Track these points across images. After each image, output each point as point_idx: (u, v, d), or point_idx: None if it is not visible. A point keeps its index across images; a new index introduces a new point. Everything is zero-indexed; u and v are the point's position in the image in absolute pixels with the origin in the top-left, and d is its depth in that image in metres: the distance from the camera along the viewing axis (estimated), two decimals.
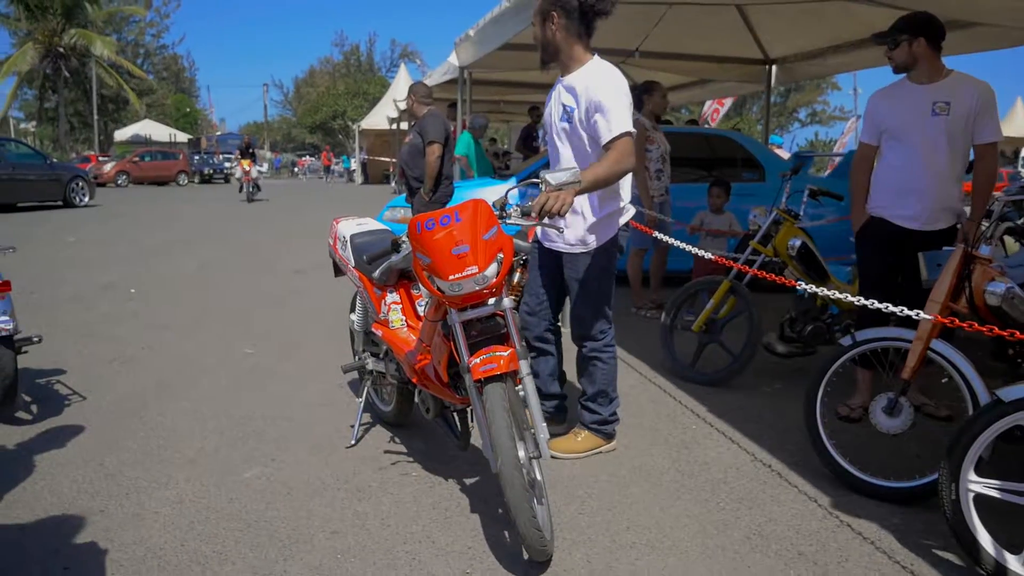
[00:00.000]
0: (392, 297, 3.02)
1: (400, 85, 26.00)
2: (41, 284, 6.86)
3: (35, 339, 3.46)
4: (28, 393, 3.82)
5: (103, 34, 35.39)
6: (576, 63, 2.89)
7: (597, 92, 2.77)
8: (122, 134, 40.43)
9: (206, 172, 35.29)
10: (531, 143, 12.34)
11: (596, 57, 2.91)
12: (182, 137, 41.23)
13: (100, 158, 30.00)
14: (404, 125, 21.13)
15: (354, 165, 35.33)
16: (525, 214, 2.52)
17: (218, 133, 54.01)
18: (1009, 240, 4.81)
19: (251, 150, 20.36)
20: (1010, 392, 2.31)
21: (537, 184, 2.50)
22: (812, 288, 3.08)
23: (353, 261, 3.17)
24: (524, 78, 12.63)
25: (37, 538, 2.47)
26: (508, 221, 2.51)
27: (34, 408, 3.65)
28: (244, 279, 7.47)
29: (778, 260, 4.30)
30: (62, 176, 16.29)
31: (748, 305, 4.23)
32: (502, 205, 2.52)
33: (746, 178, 7.33)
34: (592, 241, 3.00)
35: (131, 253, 9.20)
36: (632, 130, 2.76)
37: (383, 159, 28.55)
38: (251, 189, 19.42)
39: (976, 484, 2.34)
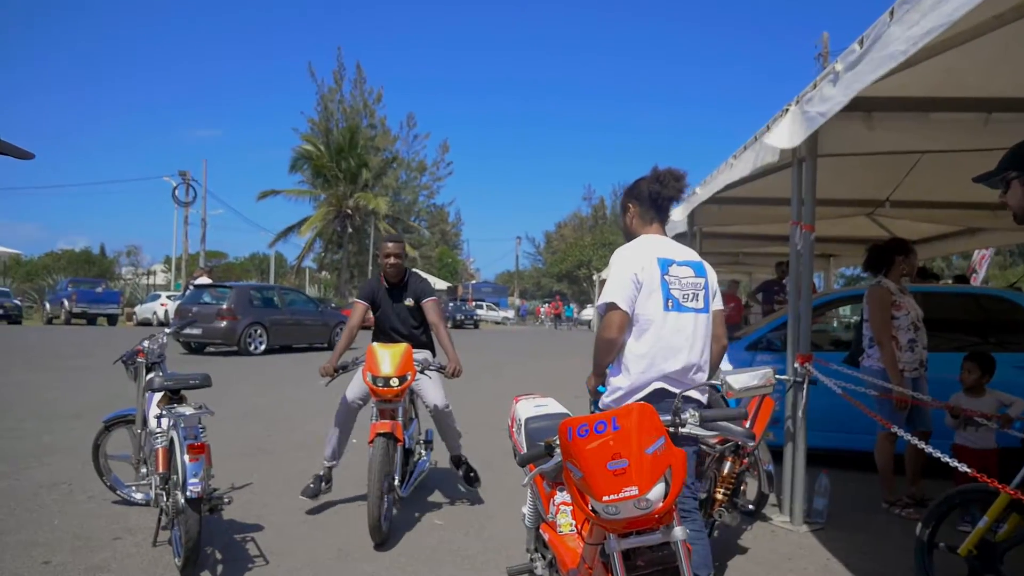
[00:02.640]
0: (562, 497, 2.64)
1: None
2: (287, 425, 7.35)
3: (226, 500, 3.53)
4: (221, 550, 3.90)
5: (380, 195, 40.70)
6: None
7: (611, 263, 2.96)
8: None
9: (458, 318, 37.89)
10: (772, 297, 11.59)
11: (643, 236, 2.99)
12: (441, 284, 45.09)
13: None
14: None
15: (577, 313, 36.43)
16: (706, 420, 2.07)
17: (473, 282, 58.57)
18: None
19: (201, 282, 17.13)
20: None
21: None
22: None
23: (525, 448, 2.88)
24: (763, 231, 12.06)
25: None
26: (683, 431, 2.07)
27: (220, 568, 3.68)
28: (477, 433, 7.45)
29: None
30: (329, 321, 18.28)
31: None
32: (677, 410, 2.09)
33: None
34: (605, 406, 2.87)
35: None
36: (611, 300, 2.74)
37: None
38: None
39: None
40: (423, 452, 4.99)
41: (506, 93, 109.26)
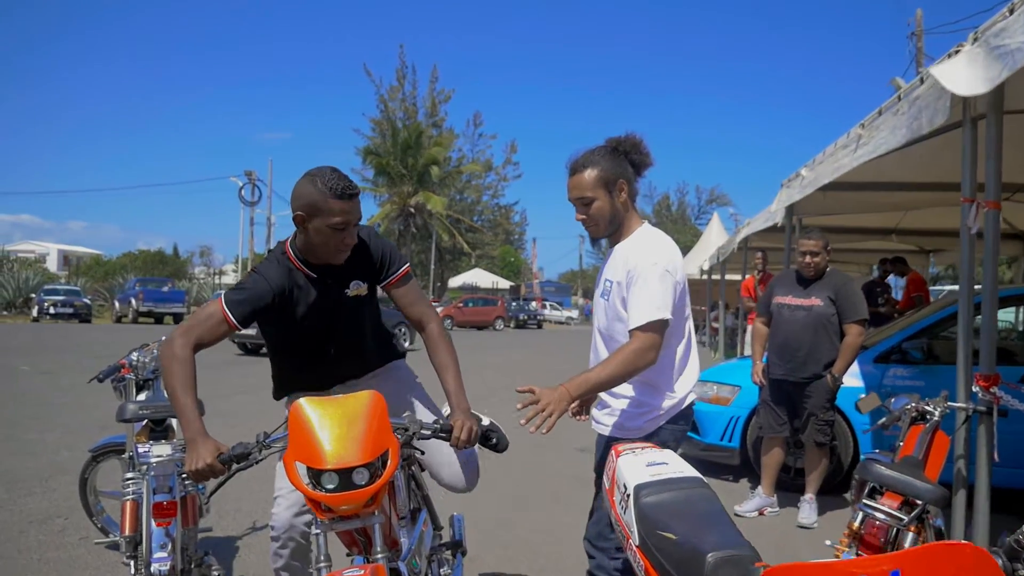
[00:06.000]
0: None
1: (713, 233, 24.90)
2: None
3: (215, 573, 2.62)
4: None
5: (441, 195, 40.13)
6: (627, 231, 2.57)
7: (636, 265, 2.42)
8: (455, 281, 44.82)
9: (521, 318, 37.04)
10: (876, 299, 10.26)
11: (646, 223, 2.60)
12: (504, 284, 44.32)
13: (432, 303, 32.96)
14: (716, 276, 19.68)
15: None
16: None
17: (537, 281, 57.73)
18: None
19: None
20: None
21: None
22: None
23: (637, 536, 1.85)
24: (858, 222, 10.74)
25: None
26: None
27: None
28: (526, 454, 6.48)
29: None
30: (388, 322, 17.33)
31: None
32: (1016, 549, 1.04)
33: None
34: (628, 430, 2.51)
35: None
36: (665, 317, 2.35)
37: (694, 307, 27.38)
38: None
39: None
40: (449, 560, 2.81)
41: (568, 89, 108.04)
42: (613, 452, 2.15)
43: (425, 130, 40.22)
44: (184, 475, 2.63)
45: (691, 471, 1.96)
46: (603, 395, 2.57)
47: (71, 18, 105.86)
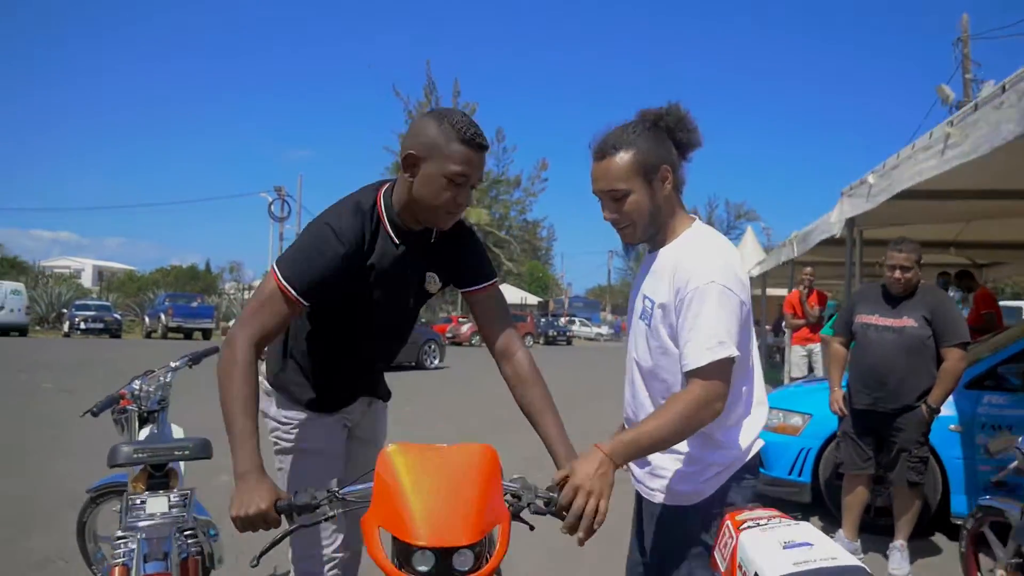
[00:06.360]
0: None
1: (747, 248, 24.22)
2: None
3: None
4: None
5: (480, 207, 39.84)
6: (672, 233, 1.92)
7: (688, 282, 1.77)
8: None
9: (550, 334, 36.53)
10: None
11: (697, 221, 1.95)
12: (532, 299, 43.84)
13: (460, 319, 32.56)
14: (756, 291, 18.93)
15: None
16: None
17: (566, 297, 57.27)
18: None
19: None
20: None
21: None
22: None
23: None
24: (916, 234, 10.04)
25: None
26: None
27: None
28: None
29: None
30: (417, 339, 17.15)
31: None
32: None
33: None
34: (681, 495, 1.91)
35: (474, 427, 8.40)
36: (732, 355, 1.71)
37: None
38: None
39: None
40: None
41: (590, 100, 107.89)
42: (730, 523, 1.64)
43: None
44: (185, 530, 2.18)
45: (848, 558, 1.45)
46: None
47: (108, 37, 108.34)
